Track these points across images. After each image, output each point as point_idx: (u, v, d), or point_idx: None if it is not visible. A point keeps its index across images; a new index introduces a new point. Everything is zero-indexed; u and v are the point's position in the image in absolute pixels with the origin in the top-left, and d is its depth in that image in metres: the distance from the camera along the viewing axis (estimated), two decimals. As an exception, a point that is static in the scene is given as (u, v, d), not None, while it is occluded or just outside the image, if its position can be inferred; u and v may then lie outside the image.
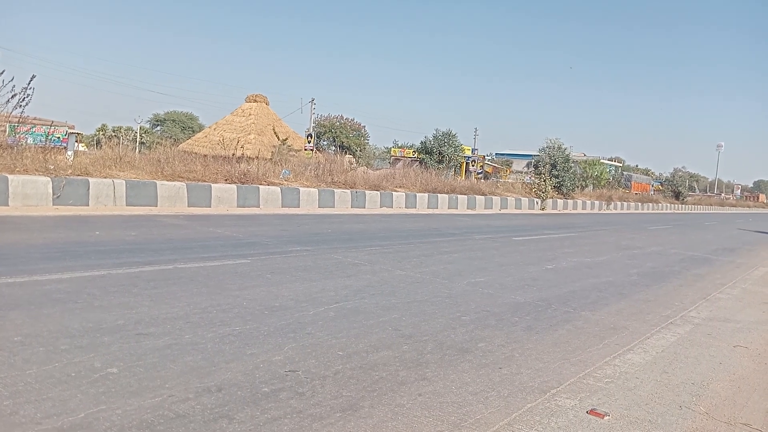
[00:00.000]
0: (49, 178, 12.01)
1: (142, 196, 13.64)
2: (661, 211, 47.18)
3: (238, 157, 21.07)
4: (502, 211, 27.55)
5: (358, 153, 49.27)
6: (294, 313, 5.40)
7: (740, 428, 3.79)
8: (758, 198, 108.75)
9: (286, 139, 33.02)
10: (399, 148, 44.18)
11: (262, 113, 42.52)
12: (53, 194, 11.95)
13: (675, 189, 58.10)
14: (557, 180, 33.66)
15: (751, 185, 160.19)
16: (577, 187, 37.50)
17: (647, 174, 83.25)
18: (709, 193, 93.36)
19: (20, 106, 13.73)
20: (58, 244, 8.11)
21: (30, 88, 13.78)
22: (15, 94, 13.56)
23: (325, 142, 53.74)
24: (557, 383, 4.23)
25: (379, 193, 21.24)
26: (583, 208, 35.61)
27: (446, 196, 24.66)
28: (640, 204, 45.17)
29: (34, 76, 13.89)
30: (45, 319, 4.53)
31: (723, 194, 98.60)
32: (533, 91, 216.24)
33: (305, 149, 35.71)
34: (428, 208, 23.19)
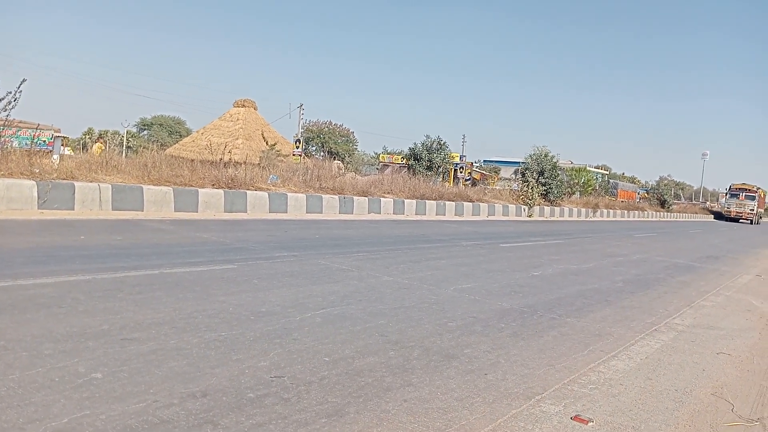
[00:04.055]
0: (34, 182, 11.90)
1: (128, 201, 13.53)
2: (647, 219, 47.49)
3: (226, 162, 20.97)
4: (490, 217, 27.65)
5: (346, 159, 49.34)
6: (280, 318, 5.39)
7: (722, 434, 3.83)
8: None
9: (275, 144, 32.99)
10: (388, 154, 44.21)
11: (250, 118, 42.50)
12: (38, 198, 11.83)
13: (661, 197, 58.62)
14: (544, 187, 33.78)
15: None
16: (564, 194, 37.64)
17: (633, 182, 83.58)
18: (694, 202, 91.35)
19: (6, 109, 13.60)
20: (42, 248, 8.04)
21: (18, 92, 13.66)
22: (2, 98, 13.43)
23: (313, 148, 53.79)
24: (542, 389, 4.26)
25: (367, 199, 21.23)
26: (570, 215, 35.81)
27: (434, 202, 24.69)
28: (626, 212, 45.45)
29: (24, 80, 13.73)
30: (29, 323, 4.49)
31: (708, 202, 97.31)
32: (521, 98, 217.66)
33: (293, 155, 35.69)
34: (416, 214, 23.21)
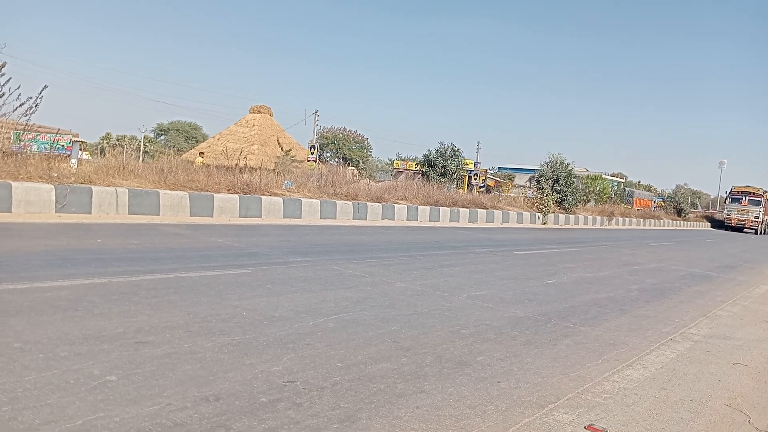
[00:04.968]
0: (52, 186, 12.06)
1: (145, 205, 13.66)
2: (663, 228, 47.04)
3: (241, 168, 21.12)
4: (504, 225, 27.54)
5: (360, 165, 49.39)
6: (293, 323, 5.41)
7: (738, 446, 3.78)
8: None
9: (290, 150, 33.13)
10: (402, 160, 44.24)
11: (265, 124, 42.73)
12: (56, 202, 11.98)
13: (677, 206, 58.00)
14: (559, 195, 33.59)
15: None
16: (579, 202, 37.36)
17: (649, 190, 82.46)
18: (711, 210, 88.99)
19: (27, 114, 13.81)
20: (59, 252, 8.13)
21: (39, 97, 13.88)
22: (23, 103, 13.65)
23: (328, 154, 53.89)
24: (555, 398, 4.23)
25: (380, 205, 21.25)
26: (585, 223, 35.57)
27: (448, 209, 24.65)
28: (642, 220, 45.03)
29: (46, 86, 13.98)
30: (45, 325, 4.54)
31: (725, 211, 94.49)
32: (536, 105, 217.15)
33: (308, 160, 35.82)
34: (430, 220, 23.18)
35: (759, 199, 52.75)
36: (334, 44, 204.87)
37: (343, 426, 3.35)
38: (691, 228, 53.50)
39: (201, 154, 28.83)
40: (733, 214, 53.11)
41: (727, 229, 52.35)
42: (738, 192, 53.89)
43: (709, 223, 59.19)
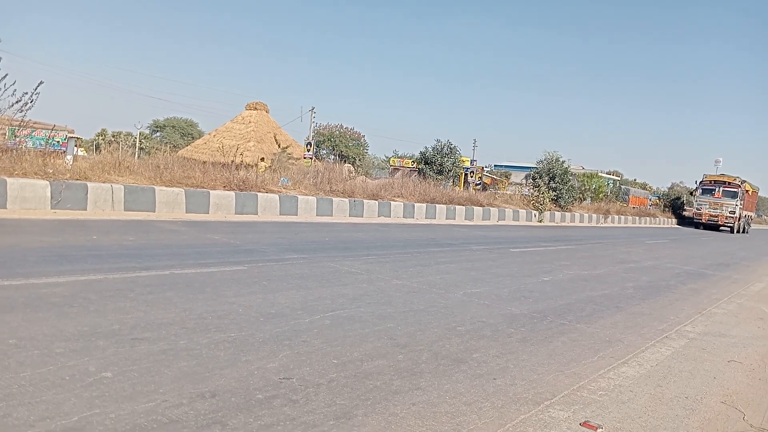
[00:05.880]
0: (47, 182, 12.01)
1: (141, 202, 13.62)
2: (659, 225, 47.12)
3: (237, 164, 21.08)
4: (500, 222, 27.56)
5: (357, 162, 49.36)
6: (289, 320, 5.40)
7: (733, 443, 3.79)
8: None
9: (287, 147, 33.11)
10: (398, 158, 44.28)
11: (262, 121, 42.67)
12: (52, 198, 11.93)
13: (672, 203, 58.16)
14: (555, 192, 33.63)
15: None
16: (575, 199, 37.38)
17: (645, 188, 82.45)
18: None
19: (22, 110, 13.76)
20: (55, 248, 8.10)
21: (35, 93, 13.82)
22: (19, 99, 13.59)
23: (324, 151, 53.83)
24: (551, 395, 4.24)
25: (377, 202, 21.24)
26: (581, 220, 35.61)
27: (444, 206, 24.65)
28: (637, 218, 45.12)
29: (41, 83, 13.94)
30: (40, 322, 4.53)
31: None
32: (533, 103, 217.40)
33: (304, 157, 35.80)
34: (426, 218, 23.19)
35: (736, 190, 43.63)
36: (331, 42, 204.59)
37: (339, 422, 3.35)
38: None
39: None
40: (705, 208, 43.85)
41: (697, 227, 43.97)
42: (710, 181, 44.45)
43: (674, 220, 50.12)
